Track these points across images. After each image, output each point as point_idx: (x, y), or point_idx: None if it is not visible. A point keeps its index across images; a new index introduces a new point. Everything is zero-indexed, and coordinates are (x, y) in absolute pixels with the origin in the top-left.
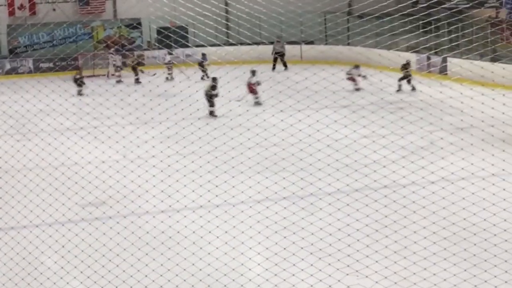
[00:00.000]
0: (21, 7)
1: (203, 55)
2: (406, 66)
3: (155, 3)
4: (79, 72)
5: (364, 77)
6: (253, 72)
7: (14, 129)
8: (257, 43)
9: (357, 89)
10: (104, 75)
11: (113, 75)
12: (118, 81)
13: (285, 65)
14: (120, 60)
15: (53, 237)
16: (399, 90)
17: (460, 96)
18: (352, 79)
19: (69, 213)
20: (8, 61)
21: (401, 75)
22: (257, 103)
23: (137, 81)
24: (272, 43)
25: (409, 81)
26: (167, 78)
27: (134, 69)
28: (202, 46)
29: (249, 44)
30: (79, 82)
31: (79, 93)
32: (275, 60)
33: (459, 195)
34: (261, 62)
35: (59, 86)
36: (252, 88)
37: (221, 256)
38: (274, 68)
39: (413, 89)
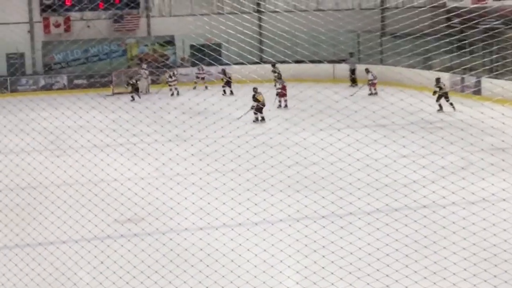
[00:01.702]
0: (57, 24)
1: (223, 71)
2: (437, 81)
3: (189, 20)
4: (133, 77)
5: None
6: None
7: (55, 145)
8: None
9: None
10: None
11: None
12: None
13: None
14: (148, 77)
15: (91, 253)
16: (440, 110)
17: (501, 116)
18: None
19: (108, 229)
20: (43, 77)
21: (433, 94)
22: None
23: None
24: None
25: (447, 99)
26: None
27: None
28: (241, 63)
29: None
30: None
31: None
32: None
33: (499, 216)
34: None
35: (99, 103)
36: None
37: (259, 274)
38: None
39: (452, 107)
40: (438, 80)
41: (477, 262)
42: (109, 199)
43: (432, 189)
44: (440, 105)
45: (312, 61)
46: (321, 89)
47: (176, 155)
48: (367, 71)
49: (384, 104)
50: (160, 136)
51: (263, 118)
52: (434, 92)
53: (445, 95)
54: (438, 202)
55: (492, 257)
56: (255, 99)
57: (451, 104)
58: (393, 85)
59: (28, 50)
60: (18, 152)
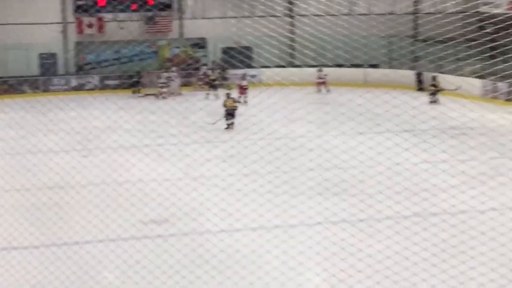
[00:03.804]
0: (90, 25)
1: (243, 75)
2: (434, 79)
3: (221, 24)
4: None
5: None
6: (244, 76)
7: (81, 144)
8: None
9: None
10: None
11: (164, 93)
12: (164, 97)
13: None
14: (180, 79)
15: (115, 253)
16: (433, 102)
17: None
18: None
19: (132, 229)
20: (75, 78)
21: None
22: (245, 102)
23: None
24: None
25: (434, 94)
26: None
27: (212, 85)
28: (267, 67)
29: (314, 66)
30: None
31: (215, 96)
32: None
33: None
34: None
35: (126, 103)
36: (242, 90)
37: (279, 276)
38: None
39: (434, 102)
40: (434, 78)
41: (495, 267)
42: (133, 199)
43: (452, 194)
44: (435, 100)
45: (353, 65)
46: (362, 93)
47: (200, 156)
48: (319, 70)
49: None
50: (185, 137)
51: (232, 124)
52: (430, 87)
53: (438, 92)
54: (458, 207)
55: (510, 262)
56: (224, 104)
57: (436, 100)
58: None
59: (61, 50)
60: (46, 152)
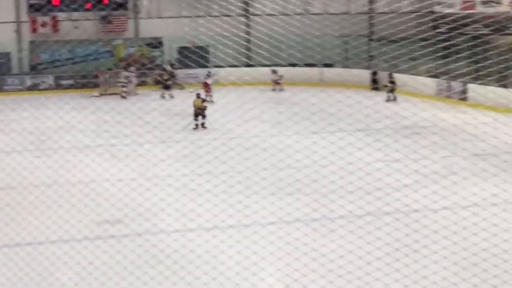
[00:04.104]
0: (44, 24)
1: (208, 73)
2: (390, 76)
3: (177, 23)
4: (166, 76)
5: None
6: (209, 75)
7: (34, 145)
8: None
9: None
10: (119, 94)
11: (124, 92)
12: (123, 97)
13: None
14: (136, 78)
15: (68, 254)
16: (390, 100)
17: (475, 122)
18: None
19: (85, 230)
20: (29, 77)
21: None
22: (211, 101)
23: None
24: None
25: (392, 91)
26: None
27: (165, 86)
28: (221, 66)
29: (268, 65)
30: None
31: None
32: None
33: (471, 220)
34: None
35: (79, 103)
36: (207, 88)
37: (233, 276)
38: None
39: (392, 99)
40: (391, 75)
41: (448, 265)
42: (86, 200)
43: (405, 193)
44: (394, 97)
45: (307, 65)
46: (315, 93)
47: (154, 156)
48: (273, 71)
49: (378, 108)
50: (138, 137)
51: (202, 124)
52: (385, 86)
53: (395, 89)
54: (411, 205)
55: (462, 260)
56: (193, 104)
57: (394, 97)
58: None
59: (15, 49)
60: None
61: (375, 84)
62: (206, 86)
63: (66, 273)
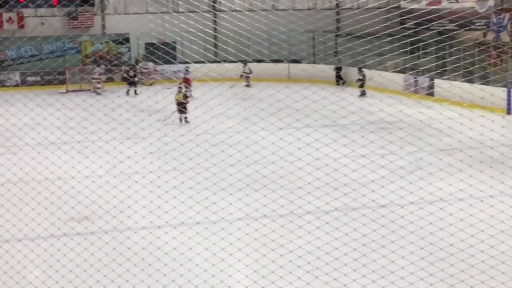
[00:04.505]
0: (9, 20)
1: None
2: (360, 70)
3: (143, 19)
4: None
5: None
6: (187, 70)
7: None
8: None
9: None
10: (89, 89)
11: (98, 88)
12: (98, 93)
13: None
14: (105, 75)
15: (35, 252)
16: (362, 95)
17: (441, 117)
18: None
19: (51, 227)
20: None
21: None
22: (191, 96)
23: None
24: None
25: (362, 85)
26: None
27: (130, 82)
28: (187, 62)
29: (234, 61)
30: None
31: (135, 93)
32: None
33: (437, 215)
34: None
35: (43, 100)
36: (188, 83)
37: (202, 273)
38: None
39: (362, 94)
40: (360, 69)
41: (415, 260)
42: (53, 197)
43: (372, 188)
44: (363, 91)
45: (273, 61)
46: (281, 88)
47: (120, 153)
48: (245, 64)
49: (344, 104)
50: (104, 134)
51: (185, 119)
52: (358, 80)
53: (364, 84)
54: (377, 201)
55: (429, 255)
56: (175, 98)
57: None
58: (353, 85)
59: None
60: None
61: (339, 80)
62: (187, 81)
63: (32, 271)
